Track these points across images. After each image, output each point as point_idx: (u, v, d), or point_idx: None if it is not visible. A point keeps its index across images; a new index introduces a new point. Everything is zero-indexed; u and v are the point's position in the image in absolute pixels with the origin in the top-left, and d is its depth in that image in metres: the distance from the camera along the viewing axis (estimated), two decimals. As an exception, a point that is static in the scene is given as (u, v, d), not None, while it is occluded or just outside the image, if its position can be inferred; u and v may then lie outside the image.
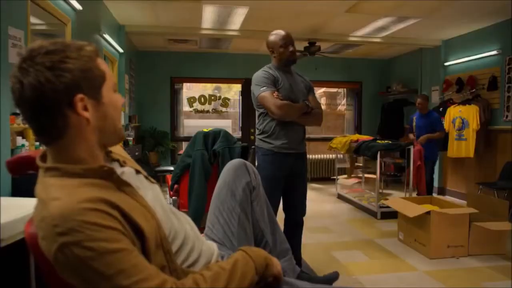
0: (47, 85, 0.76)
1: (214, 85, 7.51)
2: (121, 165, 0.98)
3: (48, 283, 0.87)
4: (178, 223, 1.00)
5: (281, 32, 2.41)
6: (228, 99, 7.15)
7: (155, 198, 0.97)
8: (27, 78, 0.76)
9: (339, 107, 8.24)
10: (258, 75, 2.37)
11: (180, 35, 5.56)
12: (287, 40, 2.38)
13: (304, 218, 2.57)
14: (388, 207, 3.91)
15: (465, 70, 5.33)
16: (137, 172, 1.01)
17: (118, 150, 1.05)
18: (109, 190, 0.83)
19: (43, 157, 0.88)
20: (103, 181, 0.83)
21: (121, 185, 0.86)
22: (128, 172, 0.97)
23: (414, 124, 4.74)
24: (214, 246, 1.13)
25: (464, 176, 5.31)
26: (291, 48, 2.38)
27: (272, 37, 2.43)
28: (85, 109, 0.82)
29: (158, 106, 6.73)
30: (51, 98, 0.78)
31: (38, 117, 0.80)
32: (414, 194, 4.52)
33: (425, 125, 4.64)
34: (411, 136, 4.76)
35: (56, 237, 0.71)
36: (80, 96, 0.80)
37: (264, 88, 2.29)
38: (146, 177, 1.04)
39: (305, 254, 2.83)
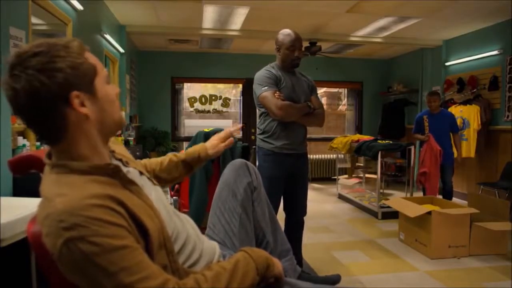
0: (42, 88, 0.76)
1: (212, 85, 7.51)
2: (125, 165, 0.98)
3: (50, 283, 0.87)
4: (180, 224, 1.01)
5: (292, 35, 2.35)
6: (229, 99, 7.15)
7: (158, 199, 0.97)
8: (20, 84, 0.76)
9: (340, 107, 8.24)
10: (261, 75, 2.35)
11: (181, 35, 5.56)
12: (296, 44, 2.33)
13: (305, 218, 2.57)
14: (389, 207, 3.91)
15: (466, 70, 5.32)
16: (140, 173, 1.02)
17: (121, 150, 1.05)
18: (115, 187, 0.83)
19: (50, 154, 0.89)
20: (109, 178, 0.84)
21: (127, 183, 0.87)
22: (133, 171, 0.98)
23: (426, 124, 4.24)
24: (216, 245, 1.13)
25: (465, 176, 5.31)
26: (296, 53, 2.34)
27: (282, 36, 2.37)
28: (82, 105, 0.82)
29: (159, 106, 6.73)
30: (47, 100, 0.78)
31: (37, 121, 0.80)
32: (415, 194, 4.51)
33: (440, 126, 4.17)
34: (419, 136, 4.28)
35: (61, 232, 0.71)
36: (75, 93, 0.80)
37: (266, 88, 2.27)
38: (149, 179, 1.04)
39: (306, 254, 2.83)
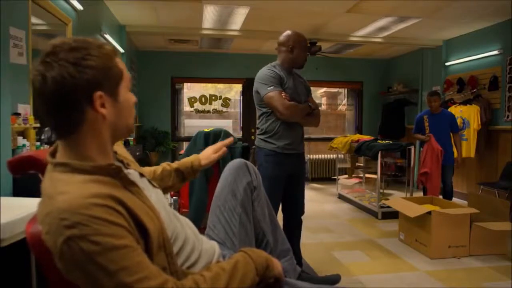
0: (70, 80, 0.78)
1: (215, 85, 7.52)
2: (125, 167, 0.99)
3: (49, 282, 0.87)
4: (179, 226, 1.01)
5: (302, 35, 2.37)
6: (229, 99, 7.15)
7: (158, 201, 0.98)
8: (51, 72, 0.78)
9: (340, 107, 8.24)
10: (265, 74, 2.33)
11: (180, 35, 5.56)
12: (307, 45, 2.39)
13: (305, 218, 2.57)
14: (389, 207, 3.90)
15: (466, 70, 5.32)
16: (141, 175, 1.02)
17: (122, 151, 1.06)
18: (116, 188, 0.84)
19: (53, 153, 0.89)
20: (110, 178, 0.84)
21: (128, 184, 0.88)
22: (133, 173, 0.99)
23: (426, 124, 4.23)
24: (215, 245, 1.13)
25: (465, 176, 5.31)
26: (307, 54, 2.39)
27: (295, 36, 2.36)
28: (103, 106, 0.84)
29: (159, 106, 6.73)
30: (72, 93, 0.79)
31: (56, 111, 0.81)
32: (415, 194, 4.51)
33: (441, 126, 4.15)
34: (420, 136, 4.26)
35: (62, 230, 0.72)
36: (99, 93, 0.82)
37: (272, 87, 2.26)
38: (149, 181, 1.05)
39: (306, 254, 2.83)
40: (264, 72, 2.35)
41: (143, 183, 0.99)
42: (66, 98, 0.79)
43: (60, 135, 0.86)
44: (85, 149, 0.85)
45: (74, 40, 0.83)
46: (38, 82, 0.79)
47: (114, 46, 0.88)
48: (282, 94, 2.26)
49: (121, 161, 0.99)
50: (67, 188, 0.78)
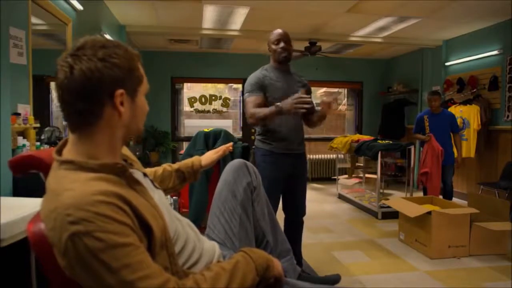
0: (96, 74, 0.81)
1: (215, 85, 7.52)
2: (129, 167, 0.99)
3: (50, 283, 0.87)
4: (180, 226, 1.01)
5: (277, 30, 2.44)
6: (229, 99, 7.15)
7: (160, 202, 0.98)
8: (79, 64, 0.81)
9: (340, 107, 8.23)
10: (250, 78, 2.40)
11: (180, 35, 5.56)
12: (280, 37, 2.40)
13: (305, 218, 2.57)
14: (388, 207, 3.91)
15: (466, 70, 5.32)
16: (144, 175, 1.03)
17: (125, 151, 1.06)
18: (122, 186, 0.84)
19: (59, 151, 0.90)
20: (116, 177, 0.85)
21: (133, 183, 0.88)
22: (137, 173, 0.99)
23: (427, 124, 4.23)
24: (215, 246, 1.13)
25: (465, 176, 5.31)
26: (281, 44, 2.38)
27: (270, 35, 2.46)
28: (121, 104, 0.86)
29: (159, 106, 6.72)
30: (96, 87, 0.82)
31: (77, 101, 0.83)
32: (415, 194, 4.51)
33: (441, 126, 4.16)
34: (421, 136, 4.26)
35: (67, 225, 0.72)
36: (120, 91, 0.85)
37: (247, 94, 2.34)
38: (152, 181, 1.05)
39: (306, 254, 2.83)
40: (251, 76, 2.42)
41: (146, 183, 1.00)
42: (89, 91, 0.82)
43: (75, 127, 0.87)
44: (95, 146, 0.86)
45: (103, 39, 0.88)
46: (64, 72, 0.81)
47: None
48: (257, 99, 2.27)
49: (125, 161, 1.00)
50: (73, 185, 0.78)
